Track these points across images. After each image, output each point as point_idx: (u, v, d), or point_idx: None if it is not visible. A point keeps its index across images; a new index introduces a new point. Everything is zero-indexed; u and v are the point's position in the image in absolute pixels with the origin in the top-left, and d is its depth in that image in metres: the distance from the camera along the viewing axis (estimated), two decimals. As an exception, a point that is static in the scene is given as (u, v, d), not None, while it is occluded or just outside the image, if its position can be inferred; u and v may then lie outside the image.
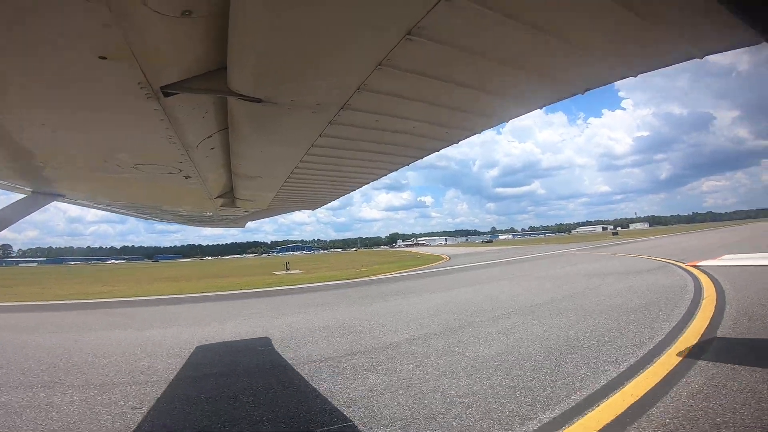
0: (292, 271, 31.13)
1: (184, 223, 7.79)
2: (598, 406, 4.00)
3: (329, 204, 6.26)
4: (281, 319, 10.68)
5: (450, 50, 1.80)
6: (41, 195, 4.18)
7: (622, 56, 2.02)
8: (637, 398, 4.08)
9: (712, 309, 7.63)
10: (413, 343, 7.18)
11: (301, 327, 9.32)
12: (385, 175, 4.40)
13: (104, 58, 1.61)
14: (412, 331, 8.19)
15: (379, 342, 7.49)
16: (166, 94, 2.00)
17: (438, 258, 42.38)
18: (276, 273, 31.02)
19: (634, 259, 22.21)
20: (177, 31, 1.60)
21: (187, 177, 3.57)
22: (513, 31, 1.70)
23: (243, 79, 1.96)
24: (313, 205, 6.46)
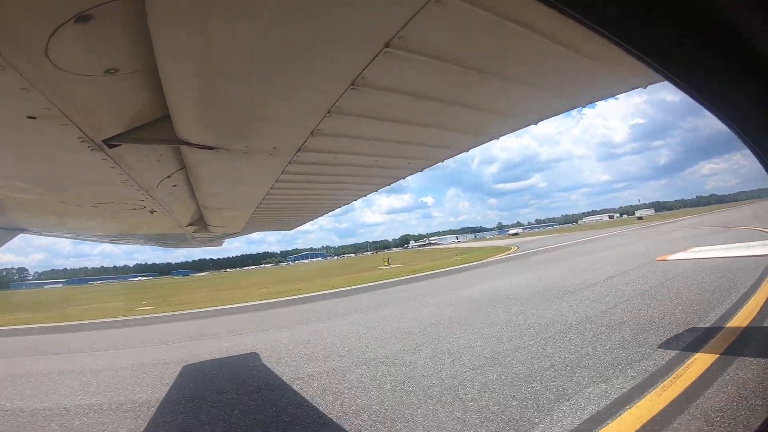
0: (393, 266, 35.60)
1: (159, 246, 7.63)
2: None
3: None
4: (528, 275, 16.75)
5: (391, 96, 1.81)
6: (4, 231, 4.10)
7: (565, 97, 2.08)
8: None
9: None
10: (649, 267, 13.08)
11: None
12: (361, 197, 4.39)
13: (33, 117, 1.57)
14: (639, 262, 14.40)
15: (633, 265, 14.30)
16: (111, 146, 1.95)
17: (504, 248, 41.49)
18: (380, 268, 34.69)
19: (694, 229, 28.55)
20: (106, 88, 1.54)
21: (152, 211, 3.50)
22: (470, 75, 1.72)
23: (189, 129, 1.91)
24: (288, 226, 6.40)
